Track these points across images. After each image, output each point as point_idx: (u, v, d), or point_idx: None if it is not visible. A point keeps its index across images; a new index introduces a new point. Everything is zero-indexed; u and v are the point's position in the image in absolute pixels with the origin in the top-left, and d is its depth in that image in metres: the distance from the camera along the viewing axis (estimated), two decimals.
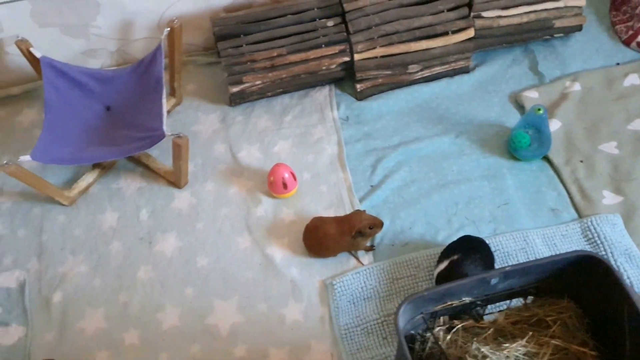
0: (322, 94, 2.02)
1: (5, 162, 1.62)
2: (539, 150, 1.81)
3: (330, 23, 1.90)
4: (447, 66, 1.99)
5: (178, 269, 1.72)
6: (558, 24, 1.98)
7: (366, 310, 1.61)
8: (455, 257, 1.49)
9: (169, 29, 1.78)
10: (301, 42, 1.89)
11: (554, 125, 1.88)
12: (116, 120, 1.86)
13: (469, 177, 1.82)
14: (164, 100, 1.73)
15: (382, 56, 1.92)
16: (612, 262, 1.61)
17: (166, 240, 1.77)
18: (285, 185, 1.77)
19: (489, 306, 1.33)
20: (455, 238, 1.68)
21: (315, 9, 1.90)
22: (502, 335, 1.24)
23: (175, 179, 1.83)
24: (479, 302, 1.23)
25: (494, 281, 1.16)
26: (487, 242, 1.59)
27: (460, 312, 1.28)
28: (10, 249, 1.78)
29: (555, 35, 2.04)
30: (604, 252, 1.64)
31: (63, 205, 1.84)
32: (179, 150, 1.67)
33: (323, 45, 1.90)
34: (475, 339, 1.20)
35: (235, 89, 1.93)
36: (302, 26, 1.90)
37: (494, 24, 1.94)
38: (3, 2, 1.80)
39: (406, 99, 1.99)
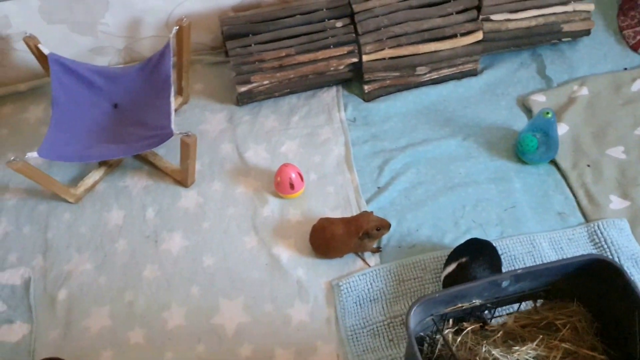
0: (330, 94, 2.02)
1: (12, 158, 1.62)
2: (547, 154, 1.80)
3: (339, 24, 1.90)
4: (454, 69, 1.99)
5: (184, 268, 1.71)
6: (566, 28, 1.98)
7: (372, 312, 1.61)
8: (464, 259, 1.49)
9: (177, 27, 1.78)
10: (310, 43, 1.89)
11: (562, 129, 1.88)
12: (123, 118, 1.85)
13: (476, 180, 1.82)
14: (172, 99, 1.72)
15: (391, 58, 1.92)
16: None
17: (172, 239, 1.76)
18: (292, 186, 1.76)
19: (498, 309, 1.33)
20: (462, 241, 1.67)
21: (325, 10, 1.90)
22: (511, 338, 1.24)
23: (182, 178, 1.83)
24: (489, 305, 1.23)
25: (505, 284, 1.16)
26: (494, 245, 1.58)
27: (466, 315, 1.28)
28: (15, 246, 1.78)
29: (563, 40, 2.04)
30: (610, 257, 1.63)
31: (69, 202, 1.83)
32: (187, 149, 1.67)
33: (332, 46, 1.89)
34: (485, 341, 1.20)
35: (243, 89, 1.93)
36: (311, 26, 1.90)
37: (502, 27, 1.94)
38: None
39: (414, 100, 1.99)
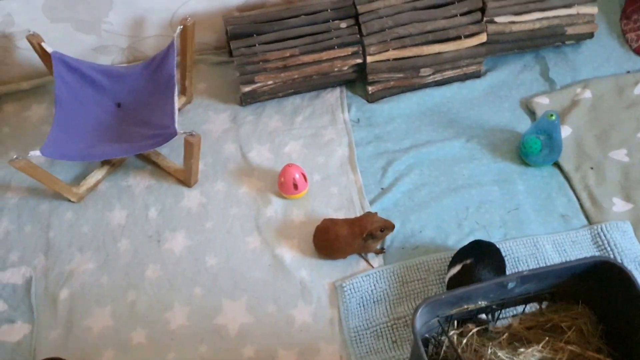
0: (333, 95, 2.02)
1: (15, 157, 1.61)
2: (550, 156, 1.81)
3: (343, 25, 1.90)
4: (458, 70, 1.99)
5: (187, 268, 1.70)
6: (570, 30, 1.99)
7: (376, 313, 1.61)
8: (468, 261, 1.48)
9: (181, 27, 1.78)
10: (314, 43, 1.89)
11: (565, 131, 1.88)
12: (127, 117, 1.85)
13: (480, 182, 1.82)
14: (176, 98, 1.72)
15: (395, 59, 1.92)
16: None
17: (175, 239, 1.76)
18: (295, 186, 1.76)
19: (502, 311, 1.33)
20: (465, 242, 1.67)
21: (329, 10, 1.90)
22: (517, 340, 1.23)
23: (185, 178, 1.82)
24: (494, 307, 1.22)
25: (510, 285, 1.16)
26: (498, 247, 1.58)
27: (471, 317, 1.27)
28: (16, 245, 1.77)
29: (567, 42, 2.04)
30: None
31: (71, 201, 1.82)
32: (190, 149, 1.66)
33: (336, 47, 1.89)
34: (490, 343, 1.20)
35: (247, 89, 1.93)
36: (316, 27, 1.90)
37: (506, 29, 1.94)
38: None
39: (417, 102, 1.99)
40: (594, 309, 1.25)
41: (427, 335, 1.23)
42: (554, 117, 1.73)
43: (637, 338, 1.14)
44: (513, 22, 1.94)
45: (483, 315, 1.29)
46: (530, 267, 1.65)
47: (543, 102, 1.96)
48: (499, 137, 1.90)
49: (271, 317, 1.61)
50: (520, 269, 1.64)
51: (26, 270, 1.71)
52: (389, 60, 1.92)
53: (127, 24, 1.96)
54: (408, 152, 1.88)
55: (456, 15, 1.91)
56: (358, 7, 1.90)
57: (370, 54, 1.89)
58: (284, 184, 1.76)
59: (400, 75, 1.95)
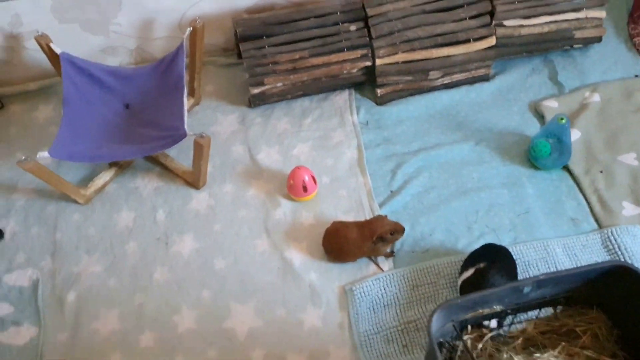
0: (342, 97, 2.01)
1: (23, 158, 1.60)
2: (559, 160, 1.80)
3: (352, 27, 1.90)
4: (467, 74, 1.98)
5: (195, 271, 1.69)
6: (578, 34, 1.99)
7: (386, 317, 1.59)
8: (481, 265, 1.47)
9: (191, 28, 1.77)
10: (323, 46, 1.88)
11: (574, 135, 1.87)
12: (135, 118, 1.84)
13: (489, 185, 1.81)
14: (185, 100, 1.71)
15: (404, 62, 1.91)
16: None
17: (183, 242, 1.74)
18: (305, 189, 1.75)
19: (514, 317, 1.32)
20: (475, 246, 1.67)
21: (339, 13, 1.90)
22: (531, 344, 1.23)
23: (193, 180, 1.81)
24: (509, 311, 1.21)
25: (526, 290, 1.15)
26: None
27: (479, 322, 1.26)
28: (23, 246, 1.75)
29: (575, 46, 2.05)
30: None
31: (78, 203, 1.81)
32: (200, 150, 1.66)
33: (345, 49, 1.89)
34: (505, 348, 1.19)
35: (256, 91, 1.92)
36: (325, 30, 1.89)
37: (515, 32, 1.94)
38: None
39: (426, 105, 1.98)
40: (609, 314, 1.24)
41: (441, 340, 1.22)
42: (564, 121, 1.73)
43: None
44: (522, 26, 1.94)
45: (489, 323, 1.28)
46: (541, 271, 1.64)
47: (552, 106, 1.96)
48: (507, 141, 1.90)
49: (280, 320, 1.60)
50: (530, 273, 1.64)
51: (33, 272, 1.70)
52: (398, 63, 1.91)
53: (135, 25, 1.95)
54: (417, 155, 1.87)
55: (465, 19, 1.91)
56: (367, 10, 1.89)
57: (379, 57, 1.89)
58: (293, 187, 1.75)
59: (409, 78, 1.95)
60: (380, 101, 1.99)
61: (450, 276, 1.64)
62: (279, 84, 1.91)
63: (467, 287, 1.49)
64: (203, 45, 1.85)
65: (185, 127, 1.66)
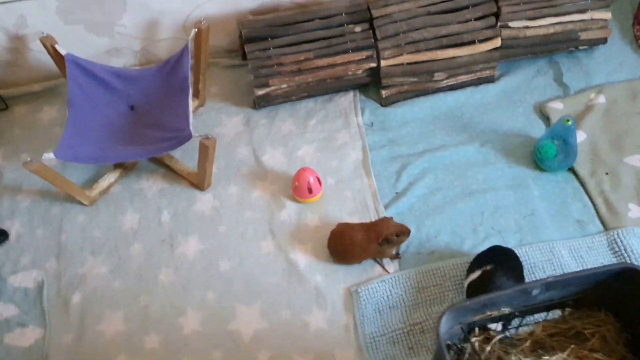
0: (347, 99, 2.01)
1: (29, 159, 1.60)
2: (565, 162, 1.80)
3: (357, 29, 1.90)
4: (472, 75, 1.98)
5: (200, 273, 1.69)
6: (584, 36, 1.98)
7: (392, 319, 1.59)
8: (488, 267, 1.47)
9: (196, 29, 1.77)
10: (328, 47, 1.88)
11: (579, 136, 1.87)
12: (140, 119, 1.84)
13: (494, 187, 1.81)
14: (190, 101, 1.71)
15: (409, 63, 1.91)
16: None
17: (188, 243, 1.74)
18: (310, 190, 1.75)
19: (517, 319, 1.31)
20: (481, 248, 1.66)
21: (344, 14, 1.89)
22: (540, 347, 1.22)
23: (198, 181, 1.81)
24: (517, 313, 1.21)
25: (535, 292, 1.14)
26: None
27: (486, 324, 1.26)
28: (28, 248, 1.75)
29: (580, 47, 2.04)
30: None
31: (83, 205, 1.81)
32: (206, 152, 1.65)
33: (350, 51, 1.89)
34: (514, 350, 1.18)
35: (261, 92, 1.92)
36: (330, 31, 1.89)
37: (520, 34, 1.94)
38: None
39: (431, 106, 1.98)
40: (618, 316, 1.24)
41: (448, 342, 1.21)
42: (570, 122, 1.72)
43: None
44: (527, 27, 1.94)
45: (496, 326, 1.28)
46: (547, 273, 1.64)
47: (557, 107, 1.95)
48: (513, 142, 1.90)
49: (285, 322, 1.59)
50: (536, 275, 1.63)
51: (38, 274, 1.69)
52: (403, 64, 1.91)
53: (140, 26, 1.95)
54: (422, 157, 1.87)
55: (470, 20, 1.91)
56: (372, 11, 1.89)
57: (384, 58, 1.89)
58: (299, 188, 1.75)
59: (414, 79, 1.95)
60: (385, 102, 1.99)
61: (456, 278, 1.64)
62: (284, 86, 1.91)
63: (474, 289, 1.49)
64: (208, 47, 1.85)
65: (191, 128, 1.65)
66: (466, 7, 1.91)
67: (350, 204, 1.79)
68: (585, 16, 1.96)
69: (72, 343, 1.58)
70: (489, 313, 1.17)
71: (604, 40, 2.03)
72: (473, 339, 1.22)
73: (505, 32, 1.93)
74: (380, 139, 1.93)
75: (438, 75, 1.95)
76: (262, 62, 1.87)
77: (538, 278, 1.62)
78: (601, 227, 1.72)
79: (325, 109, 2.00)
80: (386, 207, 1.78)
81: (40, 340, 1.59)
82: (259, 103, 1.97)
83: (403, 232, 1.62)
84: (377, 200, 1.79)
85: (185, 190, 1.84)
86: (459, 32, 1.90)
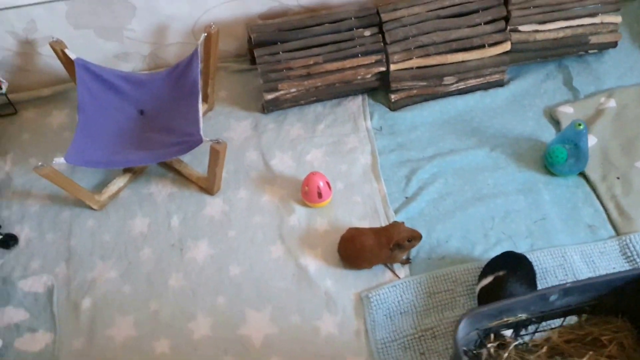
0: (355, 103, 2.01)
1: (40, 164, 1.59)
2: (576, 166, 1.79)
3: (367, 33, 1.89)
4: (481, 79, 1.98)
5: (210, 278, 1.68)
6: (594, 40, 1.98)
7: (403, 325, 1.58)
8: (501, 273, 1.46)
9: (205, 34, 1.77)
10: (338, 51, 1.88)
11: (590, 140, 1.86)
12: (150, 124, 1.83)
13: (505, 191, 1.80)
14: (200, 106, 1.71)
15: (418, 67, 1.91)
16: None
17: (198, 248, 1.73)
18: (320, 195, 1.74)
19: (533, 325, 1.31)
20: (492, 253, 1.66)
21: (353, 19, 1.89)
22: (556, 353, 1.21)
23: (208, 186, 1.80)
24: (533, 319, 1.20)
25: (552, 298, 1.13)
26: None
27: (499, 331, 1.25)
28: (38, 253, 1.75)
29: (590, 51, 2.03)
30: None
31: (92, 209, 1.80)
32: (216, 156, 1.65)
33: (359, 55, 1.88)
34: (530, 357, 1.17)
35: (270, 96, 1.91)
36: (340, 35, 1.89)
37: (530, 38, 1.93)
38: (40, 2, 1.78)
39: (440, 110, 1.97)
40: (635, 323, 1.22)
41: (464, 348, 1.20)
42: (581, 127, 1.72)
43: None
44: (537, 31, 1.93)
45: (505, 332, 1.27)
46: (559, 279, 1.63)
47: (567, 112, 1.94)
48: (523, 146, 1.89)
49: (296, 327, 1.59)
50: (548, 281, 1.62)
51: (48, 278, 1.69)
52: (412, 68, 1.91)
53: (149, 31, 1.95)
54: (432, 161, 1.86)
55: (480, 24, 1.90)
56: (382, 15, 1.89)
57: (393, 62, 1.88)
58: (308, 193, 1.74)
59: (424, 83, 1.94)
60: (394, 107, 1.98)
61: (467, 283, 1.63)
62: (293, 90, 1.91)
63: (486, 294, 1.48)
64: (217, 51, 1.85)
65: (201, 132, 1.65)
66: (476, 11, 1.91)
67: (360, 208, 1.78)
68: (596, 20, 1.95)
69: (82, 348, 1.58)
70: (505, 319, 1.16)
71: (614, 44, 2.02)
72: (489, 345, 1.21)
73: (515, 36, 1.92)
74: (390, 143, 1.92)
75: (447, 79, 1.94)
76: (272, 66, 1.87)
77: (550, 283, 1.61)
78: (613, 232, 1.71)
79: (334, 113, 1.99)
80: (396, 211, 1.77)
81: (50, 345, 1.58)
82: (267, 107, 1.97)
83: (414, 237, 1.61)
84: (387, 204, 1.78)
85: (195, 194, 1.84)
86: (469, 36, 1.90)
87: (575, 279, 1.59)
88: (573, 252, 1.67)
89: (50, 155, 1.90)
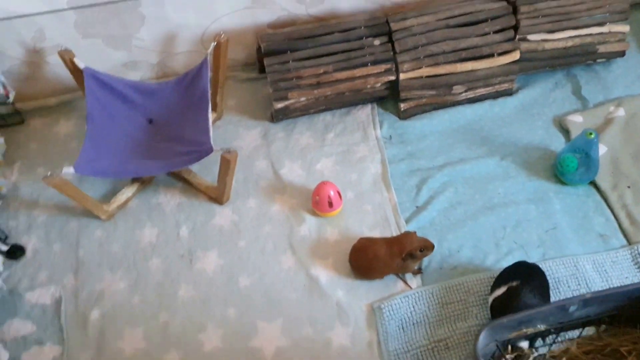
0: (364, 112, 2.00)
1: (49, 173, 1.58)
2: (586, 175, 1.78)
3: (376, 42, 1.89)
4: (490, 88, 1.98)
5: (220, 288, 1.66)
6: (602, 49, 1.98)
7: (416, 336, 1.56)
8: (514, 283, 1.45)
9: (215, 42, 1.76)
10: (347, 60, 1.88)
11: (600, 150, 1.85)
12: (159, 133, 1.82)
13: (515, 200, 1.79)
14: (210, 115, 1.70)
15: (428, 76, 1.90)
16: None
17: (207, 258, 1.72)
18: (331, 204, 1.73)
19: (551, 336, 1.29)
20: (504, 262, 1.65)
21: (363, 28, 1.89)
22: None
23: (217, 195, 1.79)
24: (552, 330, 1.19)
25: (572, 308, 1.12)
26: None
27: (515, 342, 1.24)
28: (45, 264, 1.72)
29: (598, 60, 2.04)
30: None
31: (100, 219, 1.78)
32: (227, 166, 1.64)
33: (369, 64, 1.88)
34: None
35: (279, 105, 1.91)
36: (349, 44, 1.88)
37: (539, 47, 1.94)
38: (49, 11, 1.77)
39: (450, 119, 1.97)
40: None
41: None
42: (593, 136, 1.71)
43: None
44: (546, 40, 1.93)
45: (523, 344, 1.25)
46: (572, 289, 1.62)
47: (577, 120, 1.94)
48: (533, 155, 1.88)
49: (307, 339, 1.57)
50: (561, 290, 1.61)
51: (55, 290, 1.66)
52: (422, 77, 1.90)
53: (158, 39, 1.95)
54: (442, 170, 1.85)
55: (489, 33, 1.91)
56: (391, 24, 1.89)
57: (403, 71, 1.88)
58: (319, 202, 1.73)
59: (433, 92, 1.94)
60: (404, 115, 1.98)
61: (479, 293, 1.61)
62: (303, 99, 1.90)
63: (499, 305, 1.47)
64: (227, 60, 1.84)
65: (212, 142, 1.64)
66: (485, 20, 1.91)
67: (371, 218, 1.77)
68: (604, 29, 1.96)
69: None
70: (524, 330, 1.15)
71: (622, 54, 2.03)
72: (508, 356, 1.19)
73: (524, 45, 1.92)
74: (399, 152, 1.92)
75: (457, 89, 1.94)
76: (281, 75, 1.86)
77: (563, 293, 1.59)
78: (624, 241, 1.70)
79: (343, 122, 1.99)
80: (407, 221, 1.76)
81: (59, 358, 1.56)
82: (276, 116, 1.96)
83: (427, 247, 1.60)
84: (398, 214, 1.77)
85: (204, 204, 1.82)
86: (478, 45, 1.90)
87: (588, 289, 1.58)
88: (585, 262, 1.66)
89: (58, 164, 1.89)
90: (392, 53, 1.89)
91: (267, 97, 1.99)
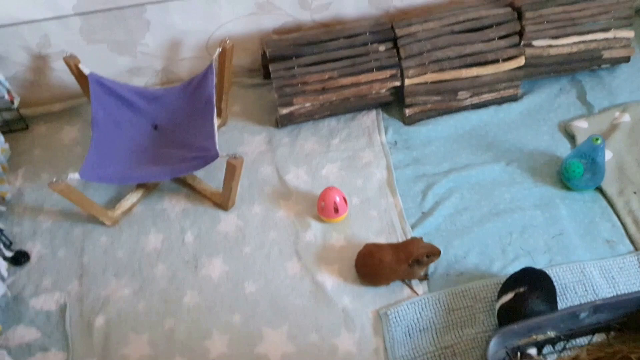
0: (369, 117, 2.00)
1: (54, 179, 1.57)
2: (592, 181, 1.78)
3: (382, 48, 1.89)
4: (495, 94, 1.98)
5: (225, 295, 1.65)
6: (607, 54, 1.98)
7: (422, 342, 1.55)
8: (521, 289, 1.44)
9: (220, 49, 1.76)
10: (352, 66, 1.88)
11: (606, 155, 1.85)
12: (164, 139, 1.82)
13: (522, 206, 1.79)
14: (215, 120, 1.70)
15: (433, 82, 1.91)
16: None
17: (212, 264, 1.71)
18: (336, 210, 1.72)
19: (561, 342, 1.28)
20: (510, 268, 1.64)
21: (368, 34, 1.89)
22: None
23: (222, 201, 1.78)
24: (562, 337, 1.18)
25: (582, 315, 1.11)
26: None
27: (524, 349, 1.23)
28: (50, 270, 1.72)
29: (602, 66, 2.04)
30: None
31: (105, 225, 1.78)
32: (232, 171, 1.63)
33: (374, 70, 1.88)
34: None
35: (284, 111, 1.91)
36: (354, 50, 1.89)
37: (544, 53, 1.94)
38: (54, 17, 1.78)
39: (455, 125, 1.97)
40: None
41: None
42: (599, 141, 1.71)
43: None
44: (551, 46, 1.94)
45: (532, 351, 1.24)
46: (579, 295, 1.61)
47: (582, 126, 1.94)
48: (538, 161, 1.88)
49: (314, 346, 1.56)
50: (568, 297, 1.60)
51: (60, 296, 1.66)
52: (427, 83, 1.90)
53: (163, 45, 1.95)
54: (447, 176, 1.85)
55: (494, 39, 1.91)
56: (396, 30, 1.89)
57: (408, 77, 1.88)
58: (325, 208, 1.73)
59: (438, 98, 1.94)
60: (409, 121, 1.97)
61: (486, 300, 1.60)
62: (308, 105, 1.90)
63: (506, 312, 1.46)
64: (232, 66, 1.84)
65: (217, 147, 1.64)
66: (490, 26, 1.91)
67: (377, 223, 1.77)
68: (609, 35, 1.96)
69: None
70: (534, 337, 1.14)
71: (626, 59, 2.03)
72: None
73: (529, 51, 1.92)
74: (405, 157, 1.91)
75: (462, 94, 1.94)
76: (287, 81, 1.86)
77: (570, 300, 1.59)
78: (631, 247, 1.70)
79: (348, 128, 1.98)
80: (413, 227, 1.75)
81: None
82: (281, 122, 1.96)
83: (433, 253, 1.59)
84: (404, 220, 1.76)
85: (209, 210, 1.82)
86: (483, 50, 1.90)
87: (595, 295, 1.57)
88: (592, 268, 1.65)
89: (62, 170, 1.89)
90: (397, 59, 1.89)
91: (272, 103, 1.99)
